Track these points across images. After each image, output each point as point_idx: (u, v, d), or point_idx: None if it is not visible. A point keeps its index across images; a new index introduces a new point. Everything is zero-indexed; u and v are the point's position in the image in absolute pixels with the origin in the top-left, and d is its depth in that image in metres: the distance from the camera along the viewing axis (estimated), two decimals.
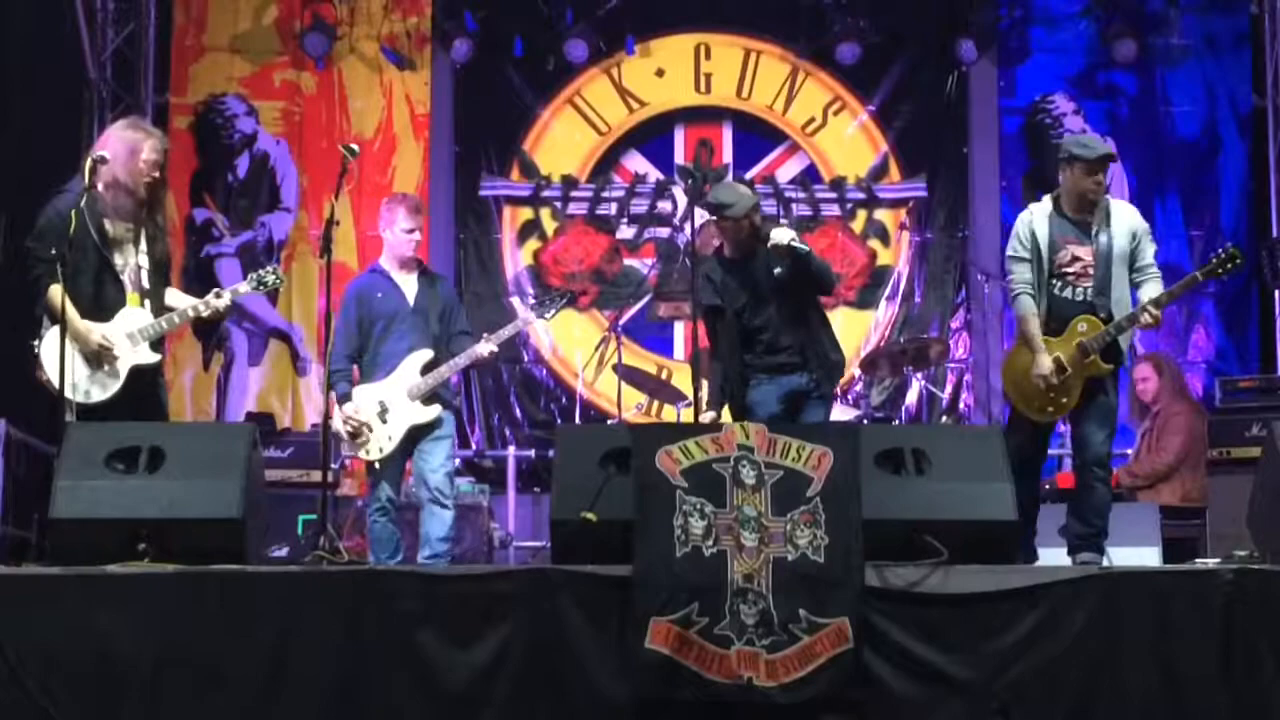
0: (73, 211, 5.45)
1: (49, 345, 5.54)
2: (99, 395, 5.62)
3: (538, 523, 9.03)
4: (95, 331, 5.62)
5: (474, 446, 9.83)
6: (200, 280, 9.22)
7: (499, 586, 4.57)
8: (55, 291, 5.54)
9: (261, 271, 6.06)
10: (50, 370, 5.48)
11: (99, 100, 9.50)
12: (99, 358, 5.62)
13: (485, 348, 6.44)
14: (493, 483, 8.81)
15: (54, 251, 5.45)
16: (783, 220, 9.77)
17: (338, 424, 6.34)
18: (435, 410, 6.38)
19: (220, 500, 4.80)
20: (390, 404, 6.31)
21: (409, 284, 6.49)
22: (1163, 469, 7.81)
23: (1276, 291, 9.76)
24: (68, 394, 5.40)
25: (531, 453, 9.54)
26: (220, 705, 4.44)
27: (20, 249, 5.57)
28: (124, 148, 5.74)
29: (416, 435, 6.36)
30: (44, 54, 8.74)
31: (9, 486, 7.50)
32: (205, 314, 5.89)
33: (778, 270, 6.11)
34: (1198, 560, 6.09)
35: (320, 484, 5.78)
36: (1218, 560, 5.53)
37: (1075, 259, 5.88)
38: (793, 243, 6.02)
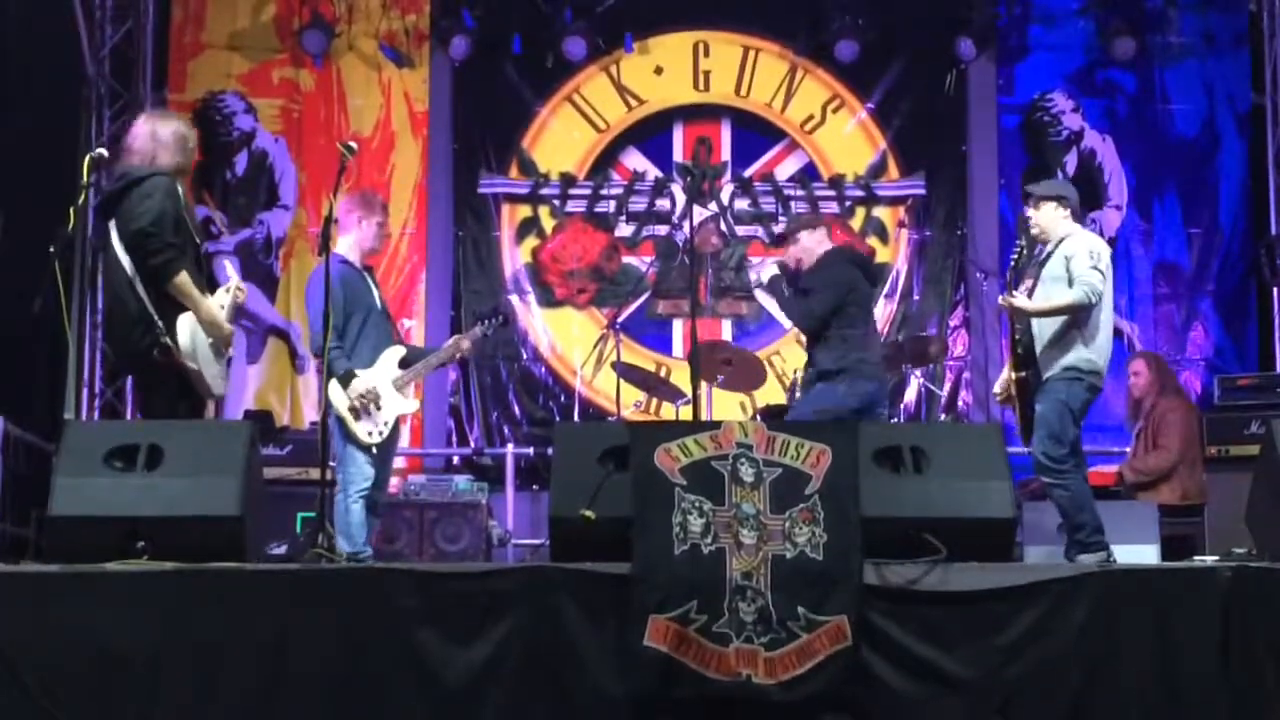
0: (178, 195, 5.47)
1: (192, 331, 5.43)
2: (224, 389, 5.68)
3: (536, 520, 9.04)
4: (226, 320, 5.61)
5: (473, 444, 9.84)
6: None
7: (498, 584, 4.57)
8: (186, 278, 5.46)
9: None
10: (200, 358, 5.42)
11: (97, 97, 9.49)
12: (220, 347, 5.57)
13: (465, 346, 6.74)
14: (491, 480, 8.79)
15: (176, 238, 5.45)
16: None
17: (339, 399, 6.24)
18: (415, 402, 6.62)
19: (219, 498, 4.79)
20: (381, 391, 6.35)
21: (371, 281, 6.60)
22: (1166, 467, 7.80)
23: (1275, 289, 9.76)
24: (211, 385, 5.46)
25: (530, 450, 9.55)
26: (219, 703, 4.44)
27: (142, 237, 5.38)
28: (169, 133, 5.63)
29: (397, 428, 6.48)
30: (42, 51, 8.73)
31: (8, 484, 7.49)
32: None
33: None
34: (1196, 558, 6.08)
35: (319, 481, 5.77)
36: (1216, 558, 5.54)
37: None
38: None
